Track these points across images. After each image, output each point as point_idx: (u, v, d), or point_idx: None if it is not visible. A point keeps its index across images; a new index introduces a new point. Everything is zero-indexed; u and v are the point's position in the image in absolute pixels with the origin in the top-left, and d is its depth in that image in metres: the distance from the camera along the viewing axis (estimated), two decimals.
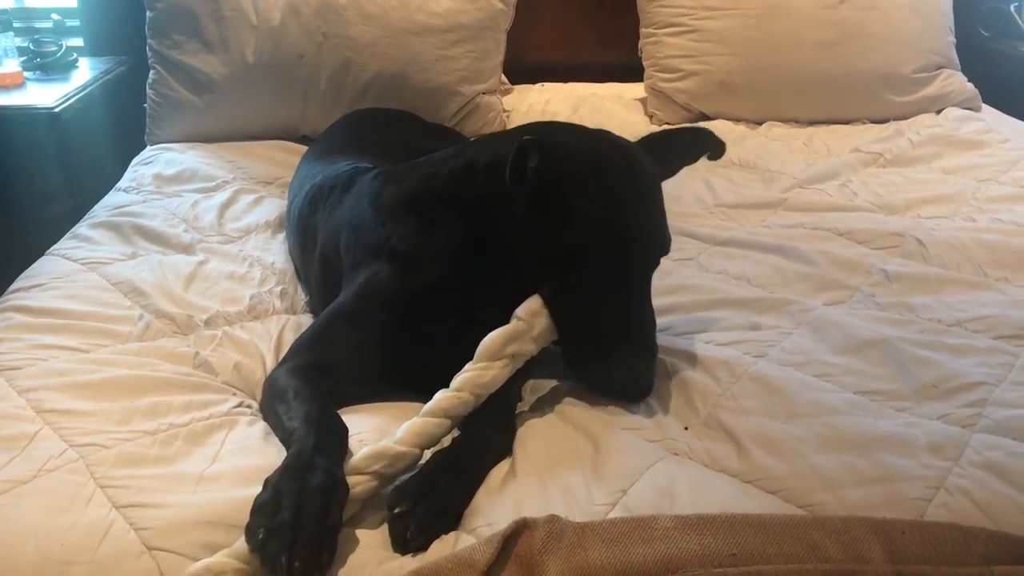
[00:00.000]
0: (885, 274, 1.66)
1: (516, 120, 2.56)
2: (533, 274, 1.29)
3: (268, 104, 2.36)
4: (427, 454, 1.18)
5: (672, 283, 1.64)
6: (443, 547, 1.06)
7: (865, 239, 1.80)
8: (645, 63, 2.66)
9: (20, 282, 1.64)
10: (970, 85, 2.58)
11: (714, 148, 1.51)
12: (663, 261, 1.71)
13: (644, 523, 1.03)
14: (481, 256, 1.33)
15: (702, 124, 2.53)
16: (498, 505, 1.10)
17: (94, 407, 1.25)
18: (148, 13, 2.37)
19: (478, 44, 2.43)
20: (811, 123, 2.52)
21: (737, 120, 2.54)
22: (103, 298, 1.56)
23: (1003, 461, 1.15)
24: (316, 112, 2.34)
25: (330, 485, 1.05)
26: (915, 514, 1.08)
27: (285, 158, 2.26)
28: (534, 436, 1.24)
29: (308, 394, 1.23)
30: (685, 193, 2.05)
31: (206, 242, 1.82)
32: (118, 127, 2.56)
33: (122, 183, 2.14)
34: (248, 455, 1.18)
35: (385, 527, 1.08)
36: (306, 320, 1.58)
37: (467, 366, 1.23)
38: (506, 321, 1.28)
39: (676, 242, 1.79)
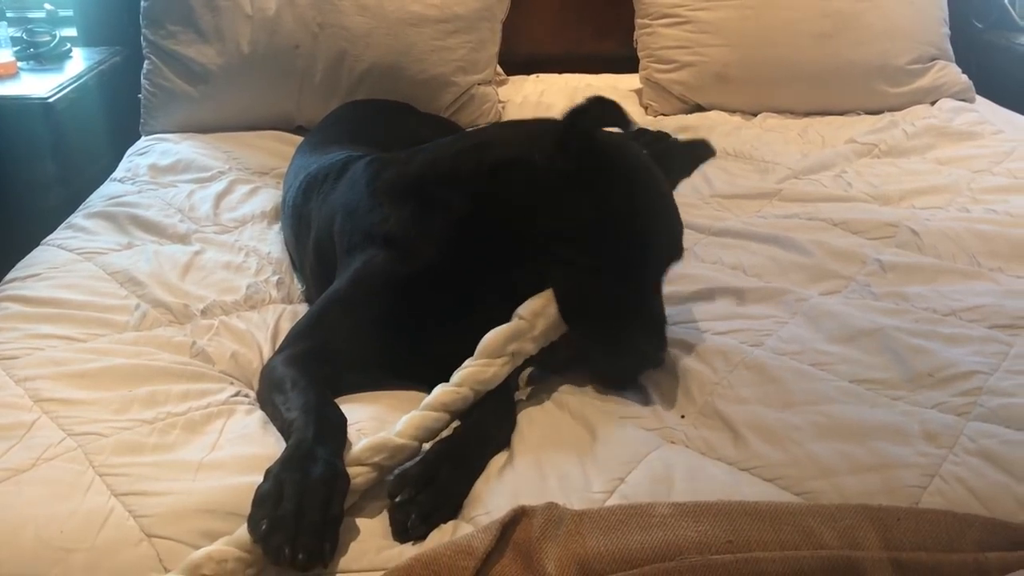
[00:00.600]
0: (880, 264, 1.67)
1: (511, 111, 2.57)
2: (540, 256, 1.27)
3: (263, 95, 2.35)
4: (425, 447, 1.18)
5: (669, 273, 1.64)
6: (442, 535, 1.06)
7: (860, 229, 1.81)
8: (640, 54, 2.66)
9: (16, 272, 1.64)
10: (964, 76, 2.58)
11: (707, 156, 1.58)
12: None
13: (642, 510, 1.04)
14: (482, 241, 1.31)
15: (698, 114, 2.54)
16: (496, 493, 1.11)
17: (92, 396, 1.26)
18: (143, 3, 2.37)
19: (474, 35, 2.42)
20: (806, 114, 2.52)
21: (732, 111, 2.54)
22: (99, 288, 1.56)
23: (997, 449, 1.16)
24: (311, 103, 2.34)
25: (331, 476, 1.05)
26: (910, 501, 1.09)
27: (280, 148, 2.26)
28: (532, 425, 1.25)
29: (305, 383, 1.22)
30: (681, 184, 2.04)
31: (202, 232, 1.82)
32: (112, 117, 2.56)
33: (117, 173, 2.14)
34: (247, 444, 1.18)
35: (384, 515, 1.09)
36: (302, 309, 1.58)
37: (467, 362, 1.24)
38: (503, 308, 1.28)
39: None
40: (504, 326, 1.25)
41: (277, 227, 1.87)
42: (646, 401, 1.30)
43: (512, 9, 2.61)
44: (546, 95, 2.67)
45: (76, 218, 1.87)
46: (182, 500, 1.07)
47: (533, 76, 2.82)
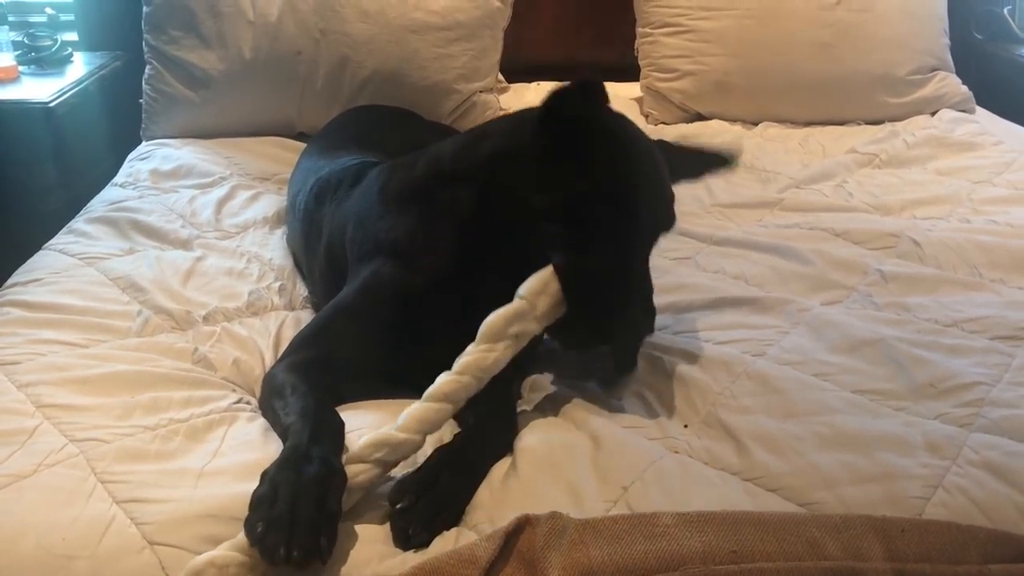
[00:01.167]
0: (881, 274, 1.67)
1: None
2: (540, 244, 1.27)
3: (265, 100, 2.35)
4: (430, 442, 1.18)
5: (670, 282, 1.65)
6: (445, 543, 1.06)
7: (861, 239, 1.81)
8: (641, 63, 2.66)
9: (17, 277, 1.63)
10: (964, 87, 2.59)
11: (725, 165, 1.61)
12: (661, 260, 1.74)
13: (645, 520, 1.04)
14: (487, 240, 1.32)
15: (699, 123, 2.54)
16: (500, 501, 1.11)
17: (94, 402, 1.25)
18: (144, 8, 2.36)
19: (475, 42, 2.43)
20: (807, 124, 2.53)
21: (733, 120, 2.55)
22: (101, 293, 1.56)
23: (1000, 461, 1.16)
24: (313, 109, 2.34)
25: (326, 473, 1.05)
26: (914, 512, 1.09)
27: (282, 154, 2.26)
28: (535, 433, 1.24)
29: (305, 389, 1.22)
30: (682, 192, 2.03)
31: (204, 238, 1.82)
32: (113, 122, 2.56)
33: (118, 178, 2.13)
34: (249, 451, 1.18)
35: (387, 523, 1.08)
36: (305, 316, 1.58)
37: (469, 348, 1.22)
38: (493, 300, 1.27)
39: (674, 241, 1.82)
40: (504, 308, 1.23)
41: (279, 233, 1.87)
42: (649, 410, 1.30)
43: (514, 17, 2.61)
44: None
45: (77, 223, 1.87)
46: (184, 507, 1.06)
47: (534, 84, 2.82)
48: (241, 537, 1.00)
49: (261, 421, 1.27)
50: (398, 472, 1.16)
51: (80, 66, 2.63)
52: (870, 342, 1.43)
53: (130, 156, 2.28)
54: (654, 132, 2.46)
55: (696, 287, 1.64)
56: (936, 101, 2.54)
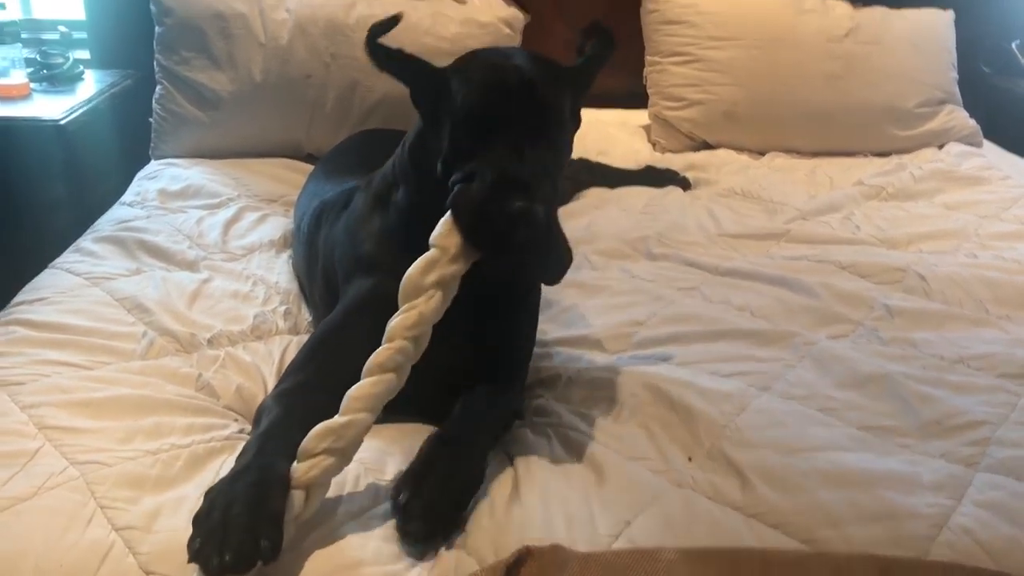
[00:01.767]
0: (887, 309, 1.67)
1: None
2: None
3: (274, 122, 2.36)
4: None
5: (676, 312, 1.65)
6: (444, 568, 1.05)
7: (867, 273, 1.81)
8: (650, 91, 2.68)
9: (24, 295, 1.63)
10: (972, 121, 2.60)
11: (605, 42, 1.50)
12: (666, 289, 1.74)
13: (648, 555, 1.03)
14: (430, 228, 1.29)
15: (706, 152, 2.55)
16: (502, 528, 1.10)
17: (96, 425, 1.25)
18: (157, 28, 2.38)
19: None
20: (814, 154, 2.54)
21: (740, 149, 2.56)
22: (106, 314, 1.56)
23: (1006, 501, 1.15)
24: (321, 131, 2.35)
25: (260, 478, 1.06)
26: (919, 552, 1.08)
27: (289, 176, 2.27)
28: (539, 462, 1.24)
29: (277, 413, 1.22)
30: (689, 222, 2.06)
31: (210, 259, 1.82)
32: (123, 140, 2.57)
33: (126, 197, 2.14)
34: None
35: (389, 542, 1.08)
36: None
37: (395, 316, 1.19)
38: (485, 307, 1.30)
39: (679, 271, 1.82)
40: (417, 260, 1.20)
41: (285, 256, 1.88)
42: (653, 442, 1.29)
43: (523, 43, 2.63)
44: None
45: (84, 242, 1.87)
46: (180, 536, 1.04)
47: None
48: None
49: None
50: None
51: (91, 84, 2.64)
52: (876, 378, 1.42)
53: (138, 175, 2.29)
54: (661, 160, 2.49)
55: (701, 318, 1.63)
56: (944, 134, 2.55)
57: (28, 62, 2.57)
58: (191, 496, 1.13)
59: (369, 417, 1.13)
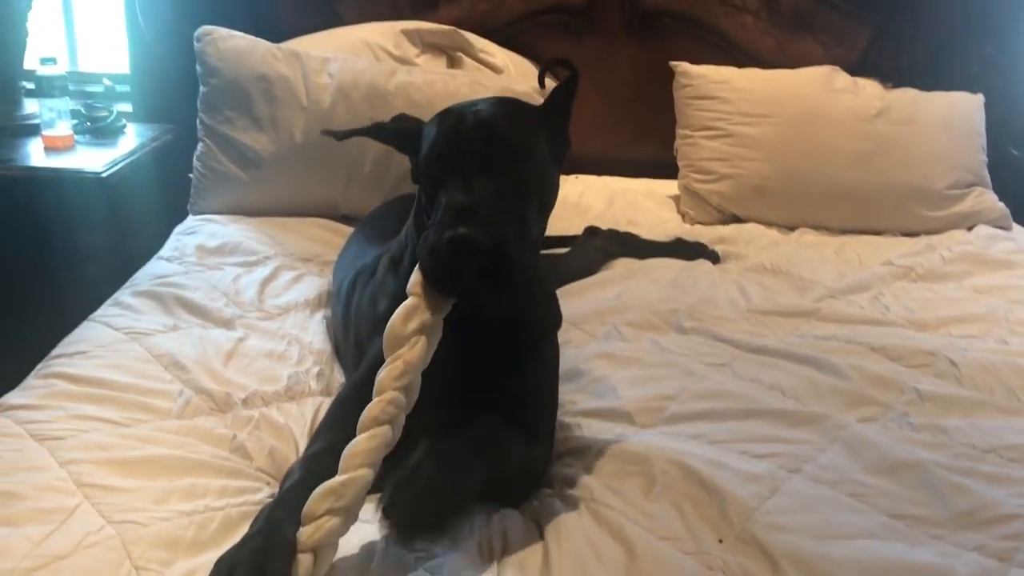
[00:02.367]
0: (918, 393, 1.66)
1: None
2: None
3: (312, 183, 2.40)
4: None
5: (706, 388, 1.65)
6: None
7: (898, 356, 1.81)
8: (680, 163, 2.71)
9: (62, 348, 1.66)
10: (1001, 204, 2.61)
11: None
12: (697, 365, 1.75)
13: None
14: None
15: (735, 225, 2.57)
16: None
17: (133, 484, 1.27)
18: (202, 88, 2.43)
19: None
20: (843, 232, 2.55)
21: (770, 224, 2.57)
22: (144, 370, 1.58)
23: None
24: (358, 194, 2.39)
25: (265, 544, 1.07)
26: None
27: (325, 236, 2.30)
28: (569, 535, 1.25)
29: (298, 477, 1.24)
30: (718, 296, 2.07)
31: (246, 318, 1.84)
32: (162, 194, 2.62)
33: (164, 251, 2.17)
34: None
35: None
36: None
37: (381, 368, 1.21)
38: (494, 362, 1.33)
39: (710, 346, 1.83)
40: (397, 309, 1.23)
41: (319, 316, 1.90)
42: (684, 521, 1.28)
43: None
44: (585, 196, 2.72)
45: (123, 295, 1.89)
46: None
47: (573, 176, 2.87)
48: None
49: None
50: None
51: (133, 137, 2.71)
52: (908, 465, 1.42)
53: (177, 229, 2.33)
54: (690, 232, 2.51)
55: (732, 395, 1.64)
56: (973, 216, 2.56)
57: (73, 114, 2.64)
58: None
59: (369, 472, 1.14)
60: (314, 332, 1.82)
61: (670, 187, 2.77)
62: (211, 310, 1.84)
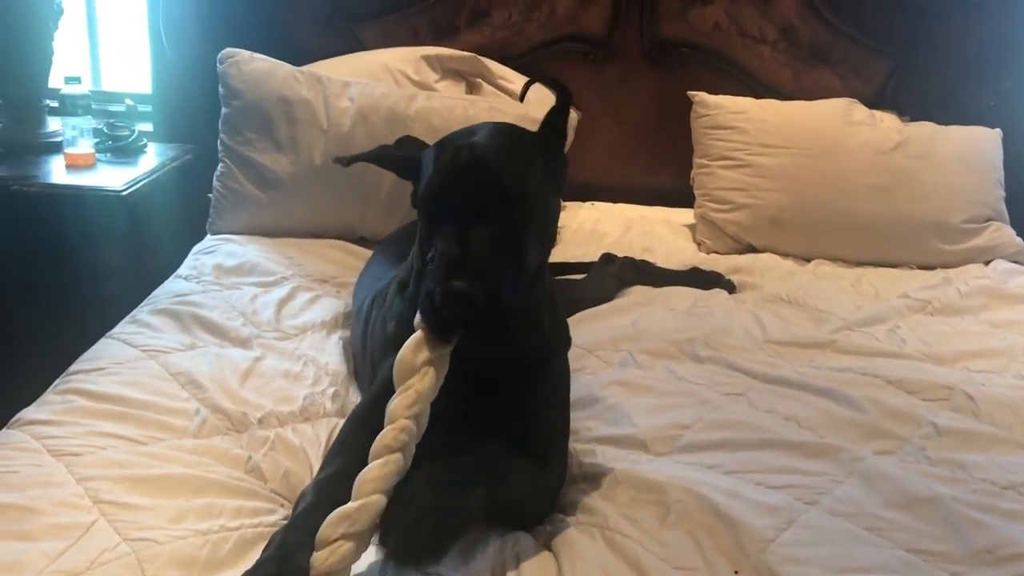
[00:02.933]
0: (935, 427, 1.65)
1: (566, 236, 2.62)
2: None
3: (330, 205, 2.42)
4: None
5: (722, 418, 1.65)
6: None
7: (914, 389, 1.80)
8: (696, 192, 2.71)
9: (80, 364, 1.67)
10: (1019, 239, 2.60)
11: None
12: (713, 394, 1.74)
13: None
14: None
15: (751, 255, 2.57)
16: None
17: (149, 502, 1.27)
18: (223, 109, 2.46)
19: None
20: (859, 264, 2.55)
21: (786, 255, 2.57)
22: (162, 388, 1.59)
23: None
24: (375, 216, 2.40)
25: (278, 570, 1.08)
26: None
27: (342, 258, 2.32)
28: (584, 563, 1.24)
29: (308, 502, 1.24)
30: (734, 325, 2.07)
31: (263, 338, 1.85)
32: (180, 213, 2.64)
33: (182, 270, 2.18)
34: None
35: None
36: None
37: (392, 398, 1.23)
38: (499, 393, 1.33)
39: (725, 375, 1.83)
40: (407, 341, 1.24)
41: (335, 337, 1.90)
42: (700, 552, 1.28)
43: (574, 140, 2.69)
44: (601, 223, 2.72)
45: (141, 313, 1.91)
46: None
47: (588, 203, 2.89)
48: None
49: None
50: None
51: (153, 157, 2.73)
52: (925, 499, 1.41)
53: (195, 248, 2.34)
54: (706, 261, 2.51)
55: (748, 425, 1.63)
56: (990, 251, 2.56)
57: (95, 132, 2.67)
58: None
59: (382, 499, 1.15)
60: (330, 353, 1.83)
61: (686, 216, 2.77)
62: (228, 329, 1.85)
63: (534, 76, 1.48)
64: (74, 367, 1.66)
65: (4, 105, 2.73)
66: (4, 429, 1.46)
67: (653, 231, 2.70)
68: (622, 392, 1.74)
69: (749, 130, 2.64)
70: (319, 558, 1.10)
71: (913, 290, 2.33)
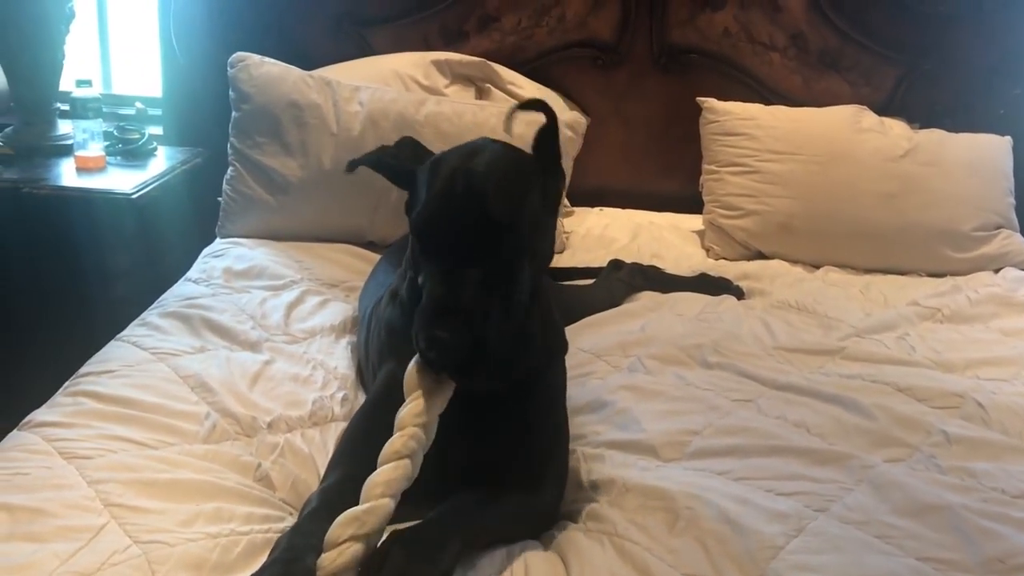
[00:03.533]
0: (945, 435, 1.65)
1: (575, 242, 2.62)
2: None
3: (339, 209, 2.42)
4: None
5: (731, 424, 1.64)
6: None
7: (924, 397, 1.79)
8: (705, 198, 2.71)
9: (91, 366, 1.67)
10: None
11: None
12: (722, 400, 1.74)
13: None
14: None
15: (760, 262, 2.57)
16: None
17: (160, 506, 1.27)
18: (234, 113, 2.46)
19: None
20: (868, 271, 2.55)
21: (795, 262, 2.57)
22: (172, 391, 1.59)
23: None
24: (384, 220, 2.40)
25: (285, 572, 1.08)
26: None
27: (351, 262, 2.32)
28: (593, 570, 1.24)
29: (312, 508, 1.24)
30: (743, 332, 2.06)
31: (272, 341, 1.85)
32: (190, 216, 2.65)
33: (192, 273, 2.19)
34: None
35: None
36: None
37: (403, 406, 1.23)
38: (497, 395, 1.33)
39: (735, 382, 1.82)
40: (414, 358, 1.25)
41: (344, 341, 1.91)
42: (709, 559, 1.27)
43: (583, 144, 2.70)
44: (609, 229, 2.73)
45: (151, 316, 1.91)
46: None
47: (597, 209, 2.89)
48: None
49: None
50: None
51: (163, 160, 2.74)
52: (936, 508, 1.40)
53: (204, 252, 2.34)
54: (714, 267, 2.50)
55: (757, 431, 1.62)
56: (1000, 259, 2.55)
57: (105, 135, 2.68)
58: None
59: (391, 503, 1.15)
60: (339, 357, 1.83)
61: (695, 222, 2.77)
62: (238, 332, 1.85)
63: (516, 104, 1.43)
64: (84, 369, 1.66)
65: (15, 107, 2.75)
66: (15, 431, 1.46)
67: (662, 237, 2.70)
68: (631, 397, 1.73)
69: (758, 136, 2.64)
70: (327, 559, 1.10)
71: (922, 297, 2.32)
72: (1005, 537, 1.34)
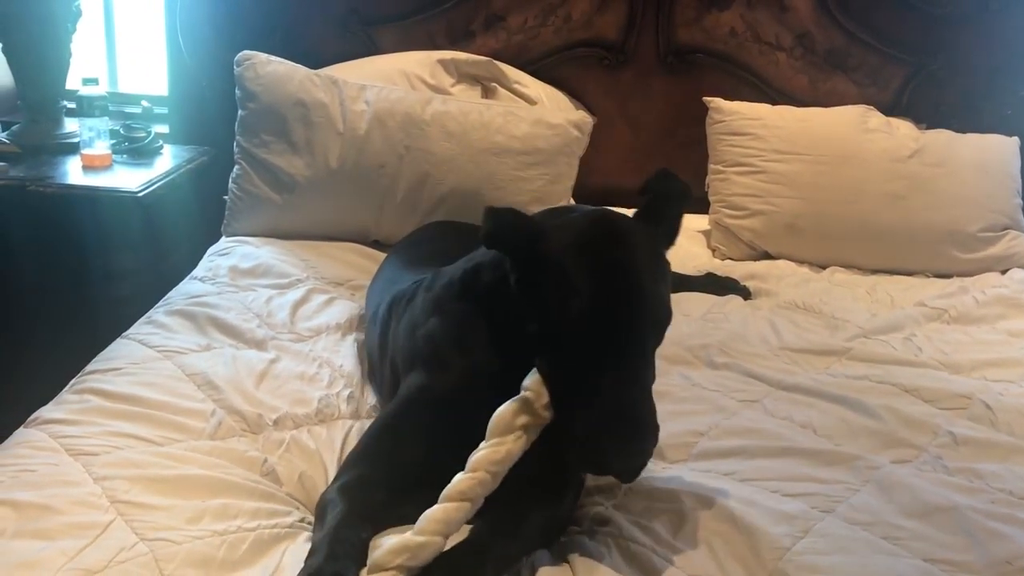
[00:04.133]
0: (952, 436, 1.64)
1: None
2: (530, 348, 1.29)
3: (345, 208, 2.42)
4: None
5: (738, 425, 1.64)
6: None
7: (931, 398, 1.79)
8: (711, 198, 2.71)
9: (97, 364, 1.67)
10: None
11: (676, 188, 1.46)
12: (728, 401, 1.73)
13: None
14: (499, 347, 1.36)
15: (766, 262, 2.56)
16: None
17: (166, 503, 1.27)
18: (240, 112, 2.46)
19: (552, 168, 2.49)
20: (874, 271, 2.54)
21: (801, 262, 2.56)
22: (178, 388, 1.59)
23: None
24: (390, 219, 2.41)
25: None
26: None
27: (357, 261, 2.32)
28: (599, 573, 1.24)
29: (341, 509, 1.25)
30: (750, 332, 2.06)
31: (278, 339, 1.85)
32: (196, 214, 2.65)
33: (198, 272, 2.19)
34: None
35: None
36: None
37: (481, 445, 1.23)
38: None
39: (741, 382, 1.82)
40: (511, 400, 1.25)
41: (350, 339, 1.90)
42: (716, 560, 1.27)
43: (588, 144, 2.69)
44: None
45: (157, 314, 1.91)
46: None
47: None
48: None
49: None
50: None
51: (169, 158, 2.74)
52: (943, 509, 1.40)
53: (210, 250, 2.35)
54: (721, 267, 2.50)
55: (764, 432, 1.62)
56: (1006, 260, 2.55)
57: (112, 134, 2.67)
58: None
59: (443, 541, 1.17)
60: (345, 355, 1.83)
61: (701, 222, 2.76)
62: (244, 331, 1.85)
63: (648, 179, 1.45)
64: (90, 367, 1.66)
65: (22, 105, 2.74)
66: (21, 428, 1.46)
67: None
68: None
69: (765, 136, 2.64)
70: None
71: (929, 298, 2.32)
72: (1012, 538, 1.34)
